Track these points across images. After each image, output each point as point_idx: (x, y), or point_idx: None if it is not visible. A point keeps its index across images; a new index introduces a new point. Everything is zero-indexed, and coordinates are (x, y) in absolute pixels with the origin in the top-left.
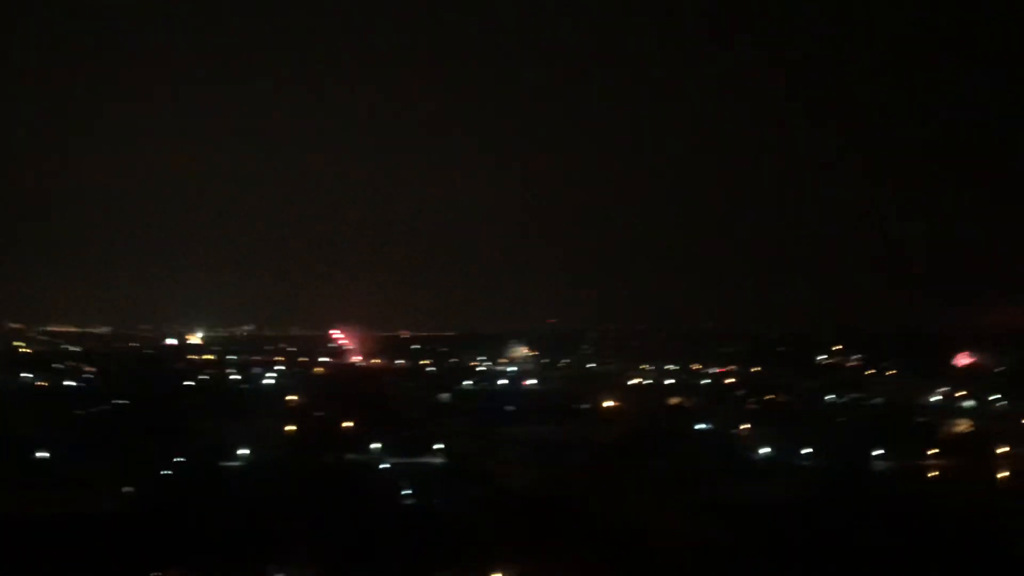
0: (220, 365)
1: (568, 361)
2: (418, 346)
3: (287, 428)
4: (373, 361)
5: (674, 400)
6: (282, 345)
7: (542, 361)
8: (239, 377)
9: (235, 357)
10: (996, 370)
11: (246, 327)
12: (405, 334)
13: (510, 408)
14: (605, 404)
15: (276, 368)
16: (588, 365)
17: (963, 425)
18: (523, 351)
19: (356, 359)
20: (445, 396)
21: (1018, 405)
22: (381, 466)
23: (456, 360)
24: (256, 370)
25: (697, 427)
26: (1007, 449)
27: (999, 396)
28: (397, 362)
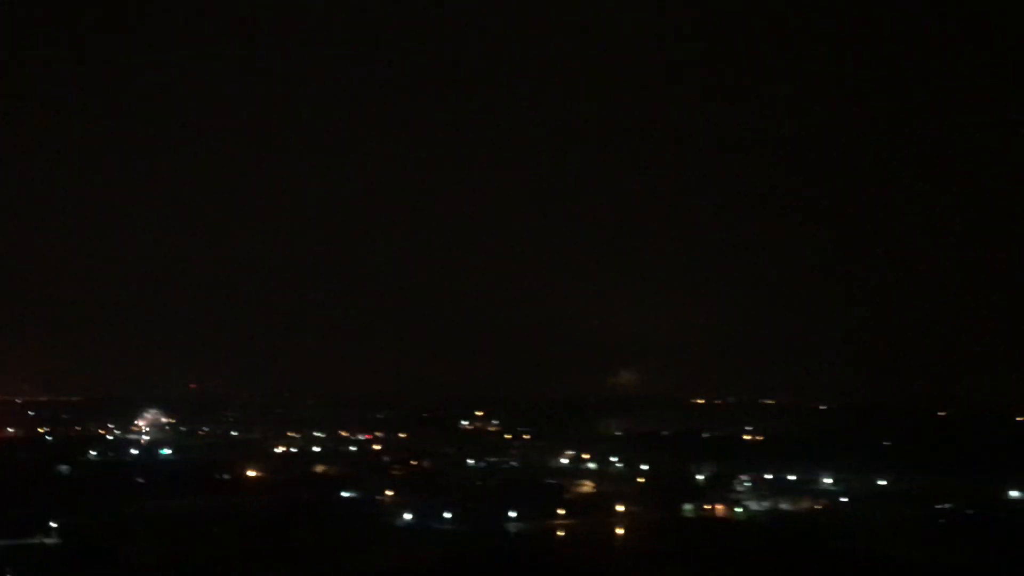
0: None
1: (209, 428)
2: (34, 412)
3: None
4: None
5: (320, 468)
6: None
7: (180, 429)
8: None
9: None
10: (616, 433)
11: None
12: (20, 399)
13: (141, 480)
14: (248, 473)
15: None
16: (231, 433)
17: (586, 486)
18: (159, 417)
19: None
20: (64, 468)
21: (633, 467)
22: None
23: (79, 428)
24: None
25: (343, 495)
26: (622, 508)
27: (616, 459)
28: (8, 430)
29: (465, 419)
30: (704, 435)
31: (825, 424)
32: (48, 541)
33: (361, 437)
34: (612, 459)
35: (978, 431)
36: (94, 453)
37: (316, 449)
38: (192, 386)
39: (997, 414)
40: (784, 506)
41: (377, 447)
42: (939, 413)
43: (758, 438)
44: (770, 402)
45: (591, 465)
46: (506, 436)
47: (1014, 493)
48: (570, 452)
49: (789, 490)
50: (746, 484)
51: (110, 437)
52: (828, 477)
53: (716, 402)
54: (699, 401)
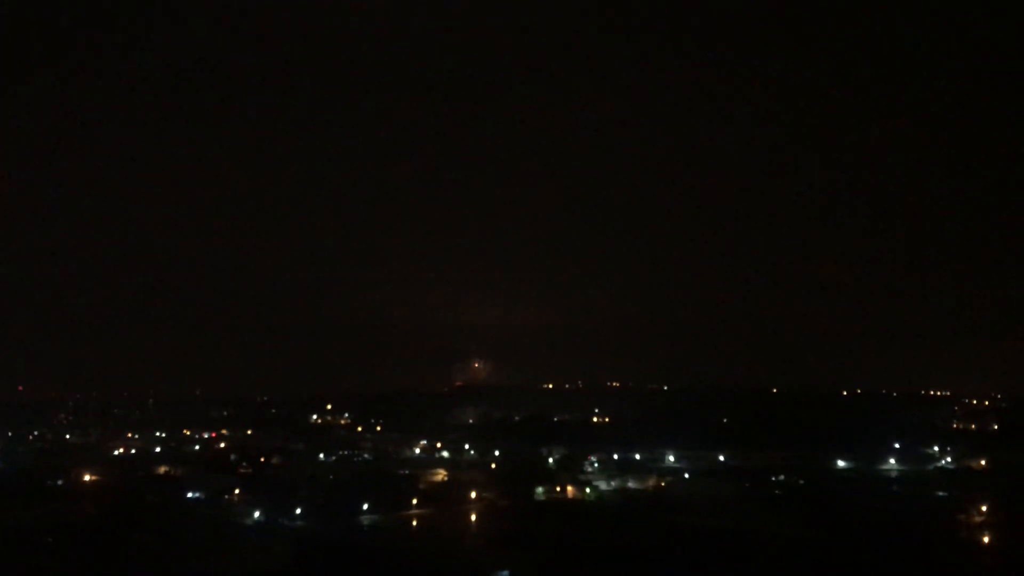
0: None
1: (40, 432)
2: None
3: None
4: None
5: (162, 469)
6: None
7: (7, 434)
8: None
9: None
10: (470, 422)
11: None
12: None
13: None
14: (85, 478)
15: None
16: (66, 436)
17: (440, 475)
18: None
19: None
20: None
21: (486, 454)
22: None
23: None
24: None
25: (188, 495)
26: (476, 494)
27: (468, 447)
28: None
29: (315, 413)
30: (555, 419)
31: (667, 405)
32: None
33: (205, 436)
34: (465, 447)
35: (808, 407)
36: None
37: (158, 450)
38: (20, 388)
39: (825, 390)
40: (631, 484)
41: (222, 445)
42: (772, 390)
43: (605, 420)
44: (615, 384)
45: (444, 454)
46: (358, 429)
47: (840, 463)
48: (423, 442)
49: (636, 469)
50: (595, 465)
51: None
52: (671, 455)
53: (565, 387)
54: (548, 386)
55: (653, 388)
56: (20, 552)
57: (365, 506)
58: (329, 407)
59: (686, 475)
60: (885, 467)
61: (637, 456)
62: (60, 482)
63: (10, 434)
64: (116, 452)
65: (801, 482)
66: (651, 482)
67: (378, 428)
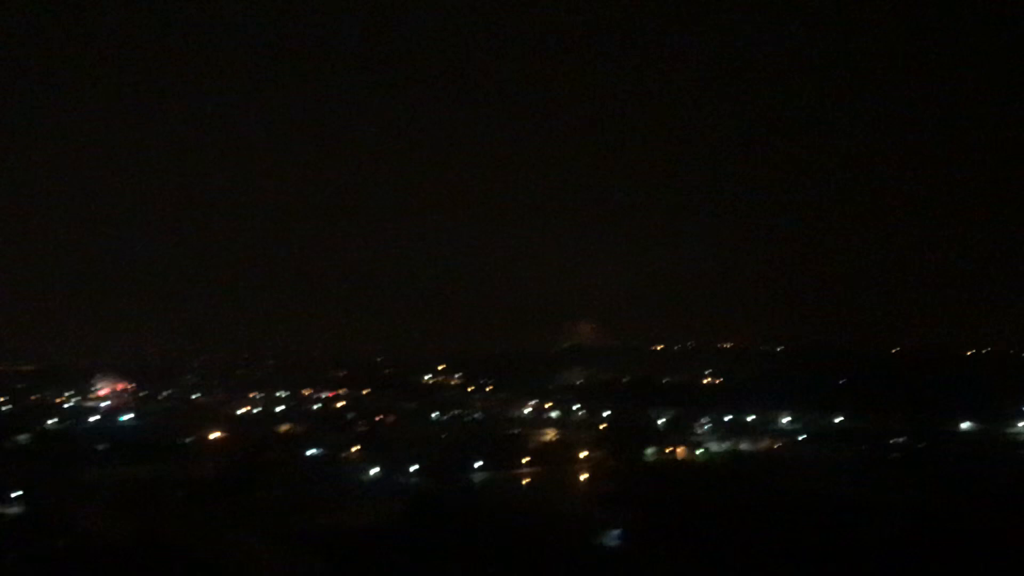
0: None
1: (170, 392)
2: None
3: None
4: None
5: (284, 427)
6: None
7: (141, 394)
8: None
9: None
10: (577, 383)
11: None
12: None
13: (102, 447)
14: (211, 436)
15: None
16: (192, 396)
17: (549, 434)
18: (118, 384)
19: None
20: (24, 437)
21: (595, 414)
22: None
23: (38, 396)
24: None
25: (308, 453)
26: (585, 454)
27: (578, 407)
28: None
29: (427, 374)
30: (664, 380)
31: (782, 365)
32: (10, 511)
33: (324, 395)
34: (574, 407)
35: (930, 367)
36: (54, 421)
37: (279, 409)
38: (151, 351)
39: (947, 350)
40: (744, 446)
41: (340, 404)
42: (892, 351)
43: (717, 381)
44: (728, 346)
45: (554, 414)
46: (469, 389)
47: (964, 425)
48: (533, 402)
49: (748, 431)
50: (706, 426)
51: (69, 405)
52: (786, 417)
53: (675, 348)
54: (658, 348)
55: (767, 349)
56: (154, 505)
57: (477, 464)
58: (441, 367)
59: (801, 438)
60: (1013, 430)
61: (750, 418)
62: (189, 440)
63: (142, 394)
64: (240, 411)
65: (921, 445)
66: (764, 444)
67: (489, 388)
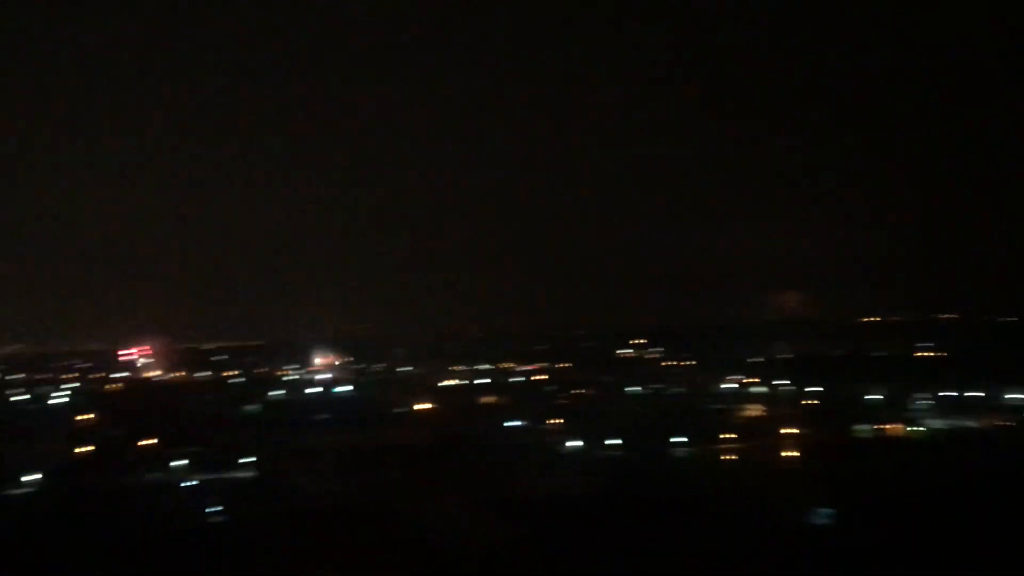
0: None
1: (382, 366)
2: (223, 357)
3: (79, 450)
4: (174, 374)
5: (486, 399)
6: (72, 362)
7: (356, 367)
8: (27, 396)
9: (20, 376)
10: (780, 357)
11: (14, 346)
12: (208, 345)
13: (322, 417)
14: (419, 407)
15: (66, 386)
16: (401, 369)
17: (754, 410)
18: (335, 358)
19: (155, 373)
20: (253, 407)
21: (801, 389)
22: (185, 484)
23: (264, 370)
24: (43, 389)
25: (508, 424)
26: (791, 430)
27: (786, 381)
28: (199, 375)
29: (627, 348)
30: (876, 355)
31: (1010, 339)
32: (245, 475)
33: (524, 368)
34: (779, 382)
35: None
36: (278, 392)
37: (481, 381)
38: (362, 326)
39: None
40: (966, 423)
41: (541, 377)
42: None
43: (939, 355)
44: (951, 316)
45: (758, 389)
46: (669, 363)
47: None
48: (735, 377)
49: (971, 407)
50: (923, 403)
51: (291, 377)
52: (1013, 393)
53: (890, 320)
54: (871, 320)
55: (994, 321)
56: (370, 470)
57: (676, 438)
58: (641, 341)
59: None
60: None
61: (974, 393)
62: (399, 410)
63: (357, 367)
64: (445, 383)
65: None
66: (989, 422)
67: (690, 362)
